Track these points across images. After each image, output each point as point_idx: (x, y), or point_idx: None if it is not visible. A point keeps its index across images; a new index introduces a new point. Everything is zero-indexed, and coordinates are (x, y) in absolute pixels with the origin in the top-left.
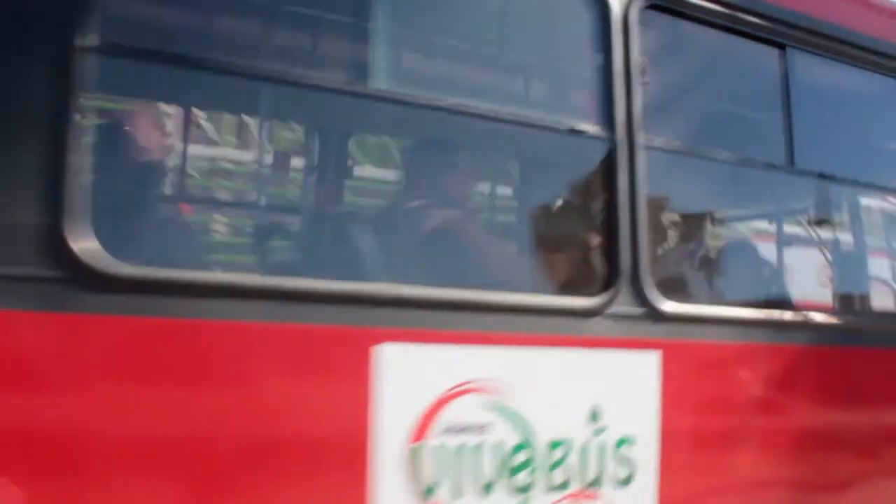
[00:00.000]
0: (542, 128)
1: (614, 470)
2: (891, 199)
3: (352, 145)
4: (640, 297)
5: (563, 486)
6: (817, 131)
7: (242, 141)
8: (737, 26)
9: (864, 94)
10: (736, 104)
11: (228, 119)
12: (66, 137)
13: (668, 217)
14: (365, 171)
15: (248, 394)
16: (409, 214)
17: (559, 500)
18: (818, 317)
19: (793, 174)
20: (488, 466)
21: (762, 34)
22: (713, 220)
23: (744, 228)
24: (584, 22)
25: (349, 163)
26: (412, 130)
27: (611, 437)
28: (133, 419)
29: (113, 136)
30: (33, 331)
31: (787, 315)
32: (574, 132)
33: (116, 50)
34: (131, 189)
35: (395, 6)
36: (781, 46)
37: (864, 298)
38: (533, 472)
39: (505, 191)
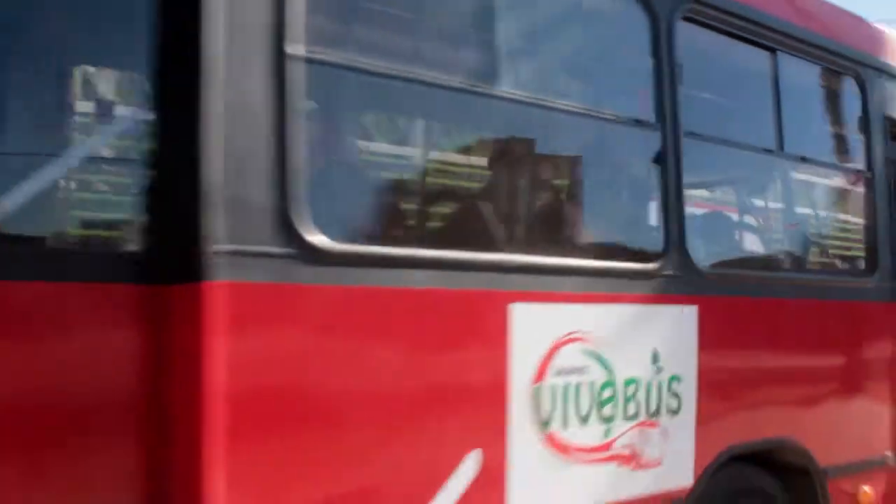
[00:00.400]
0: (612, 121)
1: (668, 402)
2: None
3: (509, 146)
4: (686, 263)
5: (634, 416)
6: None
7: (422, 141)
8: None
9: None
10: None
11: (405, 121)
12: (292, 138)
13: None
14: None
15: (423, 345)
16: (529, 198)
17: (631, 428)
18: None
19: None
20: (585, 401)
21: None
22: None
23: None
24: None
25: (509, 163)
26: (534, 129)
27: (665, 376)
28: (347, 372)
29: (328, 136)
30: (271, 298)
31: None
32: (637, 123)
33: (326, 59)
34: (342, 180)
35: None
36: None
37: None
38: (615, 405)
39: (590, 177)
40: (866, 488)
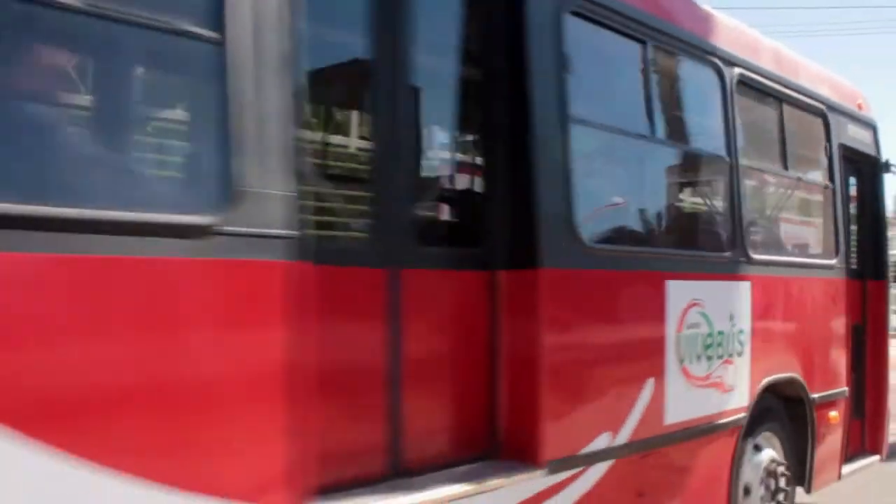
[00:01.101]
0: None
1: (737, 347)
2: None
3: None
4: (744, 252)
5: (721, 356)
6: None
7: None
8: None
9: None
10: None
11: None
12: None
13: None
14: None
15: (634, 308)
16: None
17: (720, 364)
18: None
19: None
20: (699, 346)
21: None
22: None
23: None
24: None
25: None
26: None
27: (736, 329)
28: (600, 330)
29: None
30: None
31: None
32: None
33: None
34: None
35: None
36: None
37: None
38: (713, 349)
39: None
40: (833, 413)
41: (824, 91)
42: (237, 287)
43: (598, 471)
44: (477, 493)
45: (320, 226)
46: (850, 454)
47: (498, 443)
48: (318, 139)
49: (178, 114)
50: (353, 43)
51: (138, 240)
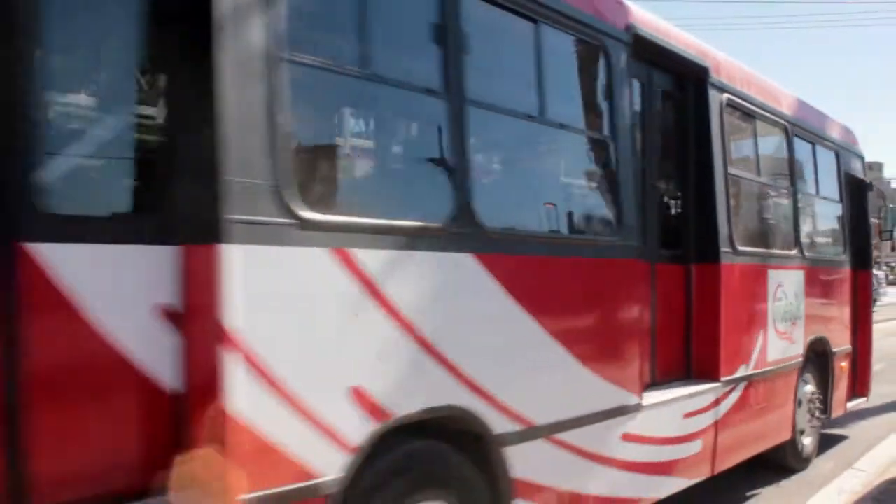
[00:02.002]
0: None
1: (797, 314)
2: None
3: None
4: (801, 250)
5: (791, 320)
6: None
7: None
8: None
9: None
10: None
11: None
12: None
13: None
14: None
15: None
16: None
17: (791, 325)
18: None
19: None
20: (781, 312)
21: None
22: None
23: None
24: None
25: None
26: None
27: (798, 303)
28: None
29: None
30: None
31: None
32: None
33: None
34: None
35: None
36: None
37: None
38: (788, 315)
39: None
40: (843, 363)
41: (836, 135)
42: (624, 275)
43: (741, 386)
44: (697, 394)
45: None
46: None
47: (692, 370)
48: None
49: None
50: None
51: (604, 250)
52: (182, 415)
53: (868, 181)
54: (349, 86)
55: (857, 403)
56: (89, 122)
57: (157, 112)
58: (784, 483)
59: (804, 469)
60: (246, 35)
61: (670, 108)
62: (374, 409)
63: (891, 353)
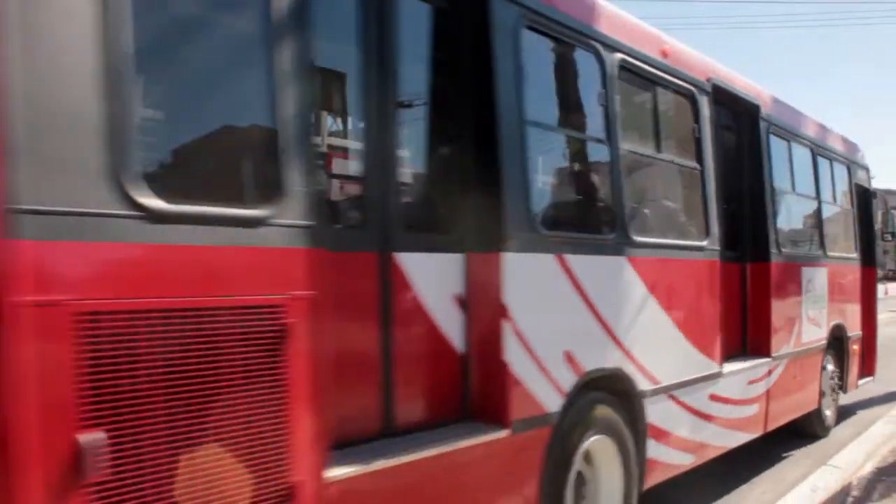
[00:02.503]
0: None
1: (823, 305)
2: None
3: None
4: (825, 249)
5: (819, 309)
6: None
7: None
8: None
9: None
10: None
11: None
12: None
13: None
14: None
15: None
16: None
17: (818, 311)
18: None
19: None
20: (812, 302)
21: None
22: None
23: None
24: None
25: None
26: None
27: (823, 294)
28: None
29: None
30: None
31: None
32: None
33: None
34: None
35: None
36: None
37: None
38: (816, 304)
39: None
40: (855, 346)
41: (847, 151)
42: (712, 273)
43: (785, 362)
44: (756, 367)
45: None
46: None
47: (748, 347)
48: None
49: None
50: None
51: (699, 253)
52: (466, 367)
53: (873, 190)
54: (558, 138)
55: (866, 381)
56: (424, 175)
57: (454, 166)
58: (810, 447)
59: (826, 436)
60: (513, 113)
61: (730, 138)
62: (576, 367)
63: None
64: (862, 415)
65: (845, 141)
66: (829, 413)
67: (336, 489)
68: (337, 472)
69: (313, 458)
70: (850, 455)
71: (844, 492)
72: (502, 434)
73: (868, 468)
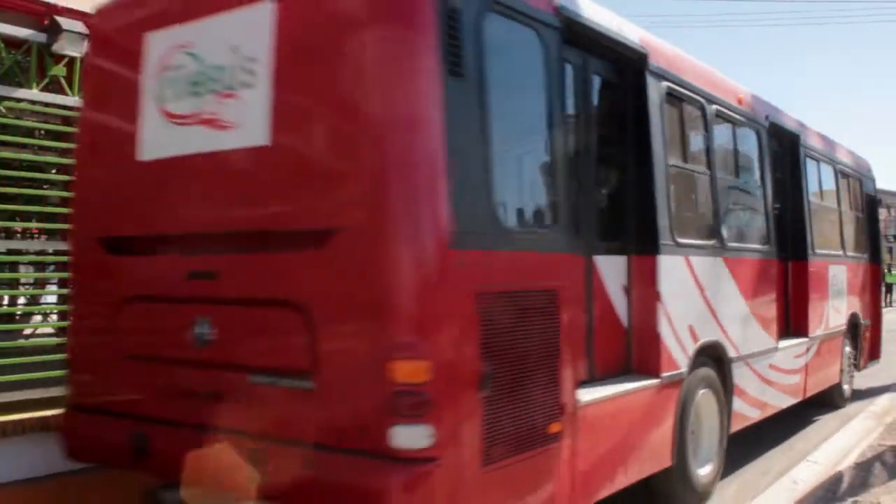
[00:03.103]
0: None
1: (843, 295)
2: None
3: None
4: (845, 250)
5: (840, 298)
6: None
7: None
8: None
9: None
10: None
11: None
12: None
13: None
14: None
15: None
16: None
17: (840, 302)
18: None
19: None
20: (836, 294)
21: None
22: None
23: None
24: None
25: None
26: None
27: (844, 287)
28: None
29: None
30: None
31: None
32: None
33: None
34: None
35: None
36: None
37: None
38: (839, 295)
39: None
40: (867, 333)
41: (860, 166)
42: (771, 269)
43: (818, 341)
44: (799, 344)
45: None
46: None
47: (790, 328)
48: None
49: None
50: None
51: (766, 254)
52: (629, 336)
53: (878, 197)
54: (685, 173)
55: (873, 363)
56: (605, 202)
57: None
58: (832, 414)
59: (844, 407)
60: (660, 158)
61: (776, 160)
62: (695, 337)
63: None
64: (867, 392)
65: (858, 158)
66: (846, 388)
67: (584, 408)
68: (584, 398)
69: (572, 387)
70: (829, 450)
71: (823, 486)
72: (657, 382)
73: (847, 463)
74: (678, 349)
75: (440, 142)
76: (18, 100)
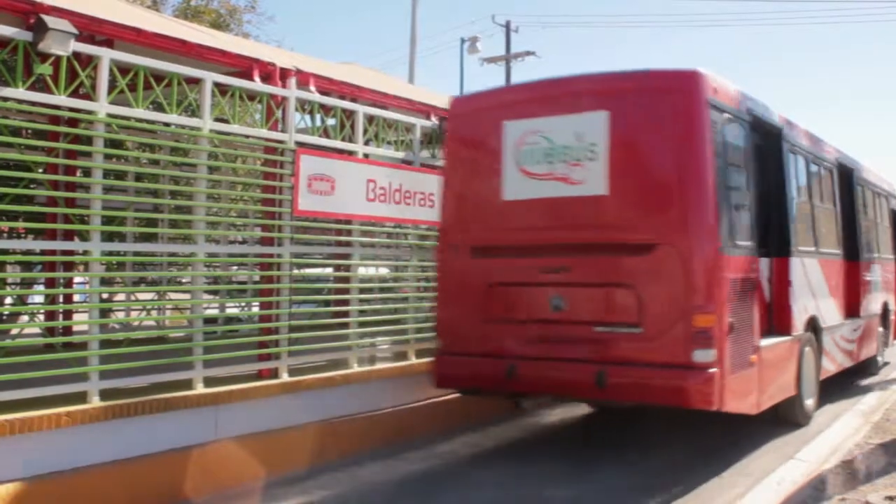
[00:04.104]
0: None
1: (879, 287)
2: None
3: None
4: (879, 252)
5: (876, 290)
6: None
7: None
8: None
9: None
10: None
11: None
12: None
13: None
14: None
15: None
16: None
17: (877, 293)
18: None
19: None
20: (873, 285)
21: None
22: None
23: None
24: None
25: None
26: None
27: (880, 280)
28: None
29: None
30: None
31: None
32: None
33: None
34: None
35: None
36: None
37: None
38: (875, 287)
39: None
40: (893, 318)
41: (889, 188)
42: (843, 267)
43: (864, 321)
44: (854, 322)
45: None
46: None
47: (848, 310)
48: None
49: None
50: None
51: (834, 255)
52: (770, 309)
53: None
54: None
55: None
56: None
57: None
58: (870, 379)
59: (877, 374)
60: (792, 195)
61: (840, 190)
62: (806, 311)
63: None
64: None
65: (889, 180)
66: (880, 359)
67: (762, 350)
68: (761, 343)
69: (759, 336)
70: (817, 448)
71: (810, 485)
72: (790, 338)
73: (833, 461)
74: (798, 318)
75: (713, 194)
76: (5, 99)
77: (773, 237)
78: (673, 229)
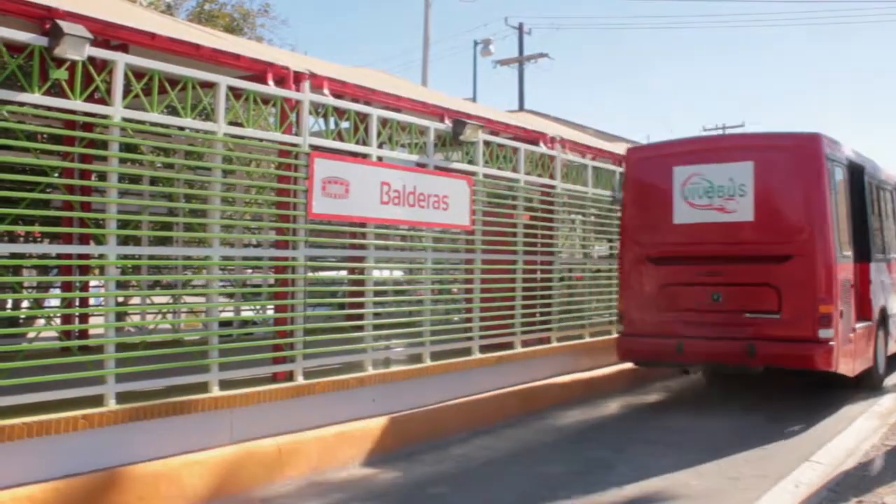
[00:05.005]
0: None
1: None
2: None
3: None
4: None
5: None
6: None
7: None
8: None
9: None
10: None
11: None
12: None
13: None
14: None
15: None
16: None
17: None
18: None
19: None
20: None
21: None
22: None
23: None
24: None
25: None
26: None
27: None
28: None
29: None
30: None
31: None
32: None
33: None
34: None
35: None
36: None
37: None
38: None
39: None
40: None
41: None
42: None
43: None
44: None
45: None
46: None
47: None
48: None
49: None
50: None
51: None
52: (857, 300)
53: None
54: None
55: None
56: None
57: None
58: None
59: None
60: (868, 213)
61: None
62: (877, 302)
63: None
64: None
65: None
66: None
67: (856, 331)
68: (856, 326)
69: (856, 320)
70: (833, 450)
71: (827, 486)
72: (870, 323)
73: (851, 463)
74: (875, 308)
75: (831, 220)
76: (21, 104)
77: (858, 247)
78: (804, 245)
